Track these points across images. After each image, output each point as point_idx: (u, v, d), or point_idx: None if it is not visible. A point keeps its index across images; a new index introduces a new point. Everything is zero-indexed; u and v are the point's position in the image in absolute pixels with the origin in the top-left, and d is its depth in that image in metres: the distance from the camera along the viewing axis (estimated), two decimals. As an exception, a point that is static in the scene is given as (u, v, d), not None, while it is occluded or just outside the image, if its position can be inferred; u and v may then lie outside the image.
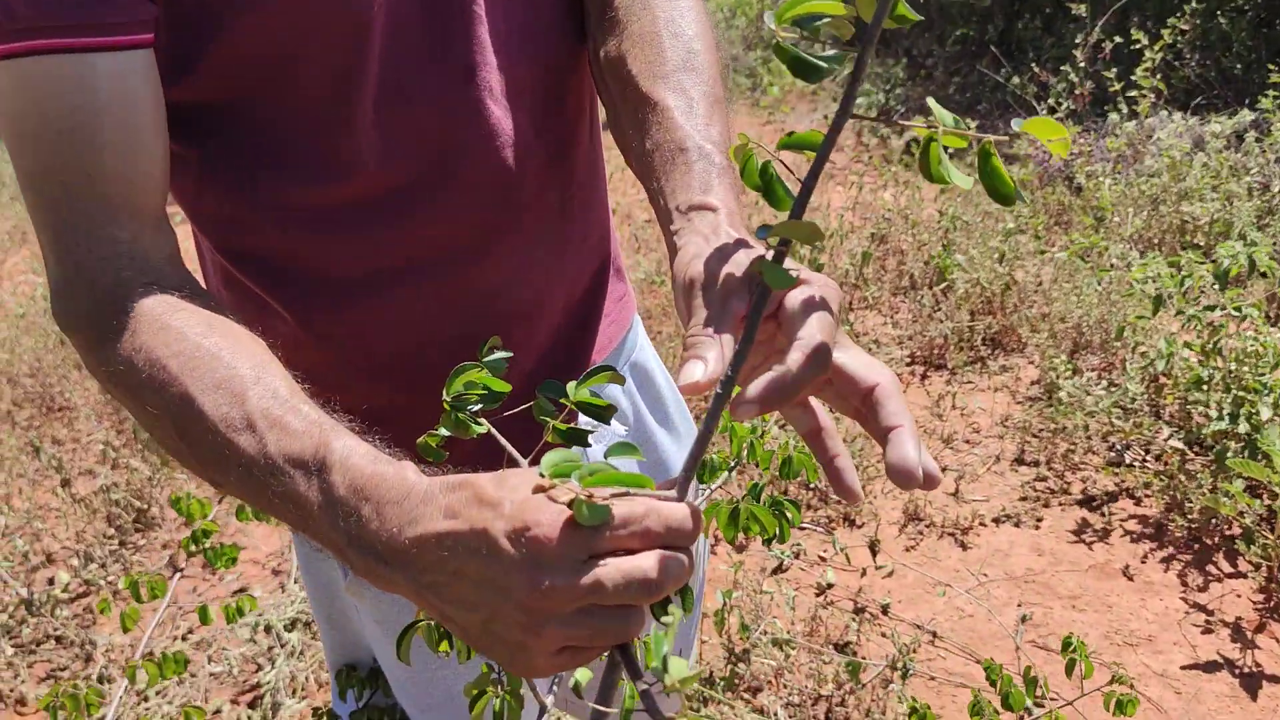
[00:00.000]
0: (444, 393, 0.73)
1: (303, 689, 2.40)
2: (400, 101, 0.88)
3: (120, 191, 0.78)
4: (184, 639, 2.61)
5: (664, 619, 0.52)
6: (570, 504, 0.58)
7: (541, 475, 0.58)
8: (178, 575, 1.42)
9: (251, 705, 2.39)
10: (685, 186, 0.80)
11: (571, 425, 0.73)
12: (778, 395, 0.61)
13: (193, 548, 1.34)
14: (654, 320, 3.86)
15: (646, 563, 0.59)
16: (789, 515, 1.09)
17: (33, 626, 2.66)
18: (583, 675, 0.77)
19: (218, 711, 2.38)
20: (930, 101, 0.57)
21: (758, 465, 1.18)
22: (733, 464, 1.19)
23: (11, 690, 2.49)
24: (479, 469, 0.64)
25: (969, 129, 0.56)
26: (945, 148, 0.57)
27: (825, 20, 0.54)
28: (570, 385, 0.72)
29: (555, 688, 0.89)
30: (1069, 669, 1.26)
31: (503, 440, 0.72)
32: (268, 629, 2.58)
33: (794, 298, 0.66)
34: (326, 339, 0.97)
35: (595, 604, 0.59)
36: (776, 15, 0.55)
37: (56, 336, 3.97)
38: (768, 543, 1.00)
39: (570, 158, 1.03)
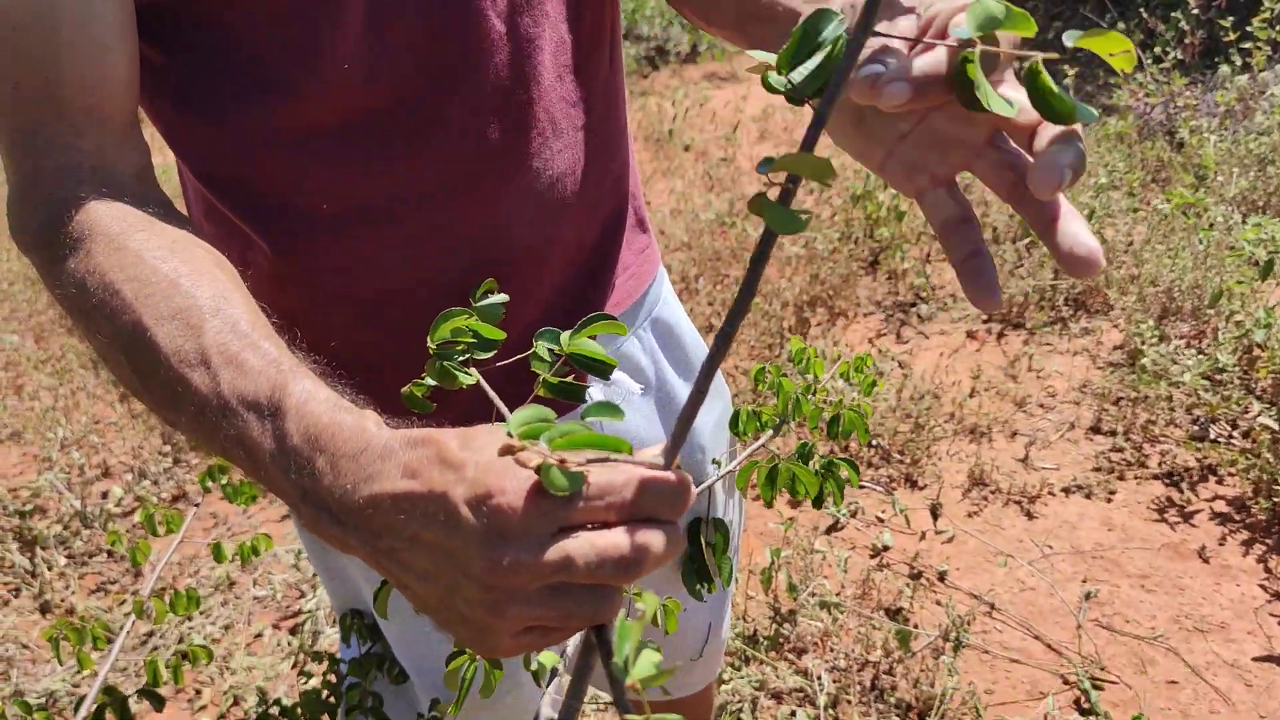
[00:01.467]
0: (428, 338, 0.65)
1: (343, 619, 2.39)
2: (391, 12, 0.79)
3: (81, 96, 0.71)
4: (231, 560, 2.62)
5: (636, 605, 0.44)
6: (538, 469, 0.49)
7: (509, 435, 0.50)
8: (193, 511, 1.38)
9: (292, 631, 2.38)
10: None
11: (564, 380, 0.65)
12: (931, 74, 0.51)
13: (209, 484, 1.30)
14: (722, 263, 3.75)
15: (623, 538, 0.51)
16: (844, 475, 1.00)
17: (85, 539, 2.69)
18: (547, 659, 0.70)
19: (259, 635, 2.38)
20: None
21: (804, 424, 1.09)
22: (780, 420, 1.10)
23: (62, 600, 2.51)
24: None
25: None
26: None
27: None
28: (564, 335, 0.64)
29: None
30: None
31: (491, 392, 0.64)
32: (312, 556, 2.57)
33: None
34: (308, 275, 0.89)
35: (565, 582, 0.51)
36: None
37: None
38: (817, 504, 0.91)
39: (584, 85, 0.93)
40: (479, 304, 0.67)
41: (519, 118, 0.88)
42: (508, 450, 0.50)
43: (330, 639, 2.31)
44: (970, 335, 3.31)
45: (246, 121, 0.80)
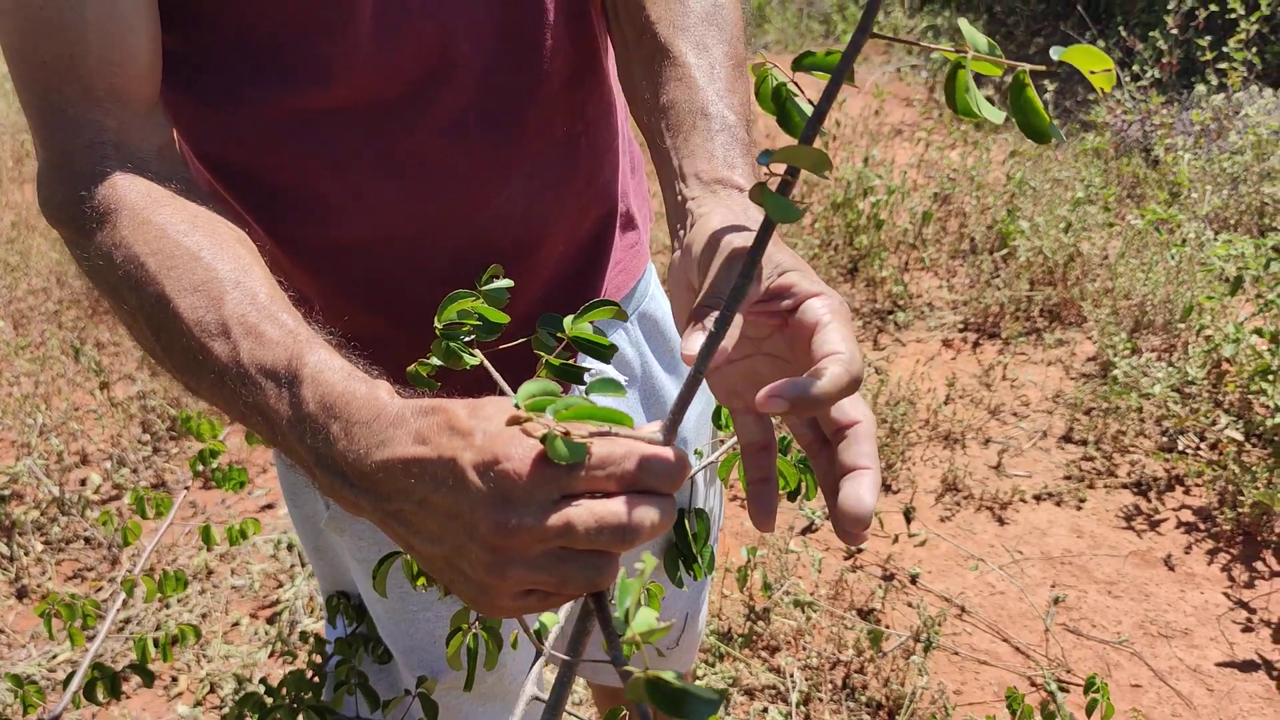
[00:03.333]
0: (435, 320, 0.68)
1: (320, 609, 2.40)
2: (399, 9, 0.82)
3: (106, 76, 0.73)
4: (209, 549, 2.62)
5: (636, 564, 0.47)
6: (543, 439, 0.52)
7: (516, 406, 0.53)
8: (184, 493, 1.40)
9: (270, 621, 2.40)
10: (706, 155, 0.74)
11: (567, 361, 0.68)
12: (809, 402, 0.56)
13: (199, 467, 1.32)
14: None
15: (622, 507, 0.54)
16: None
17: (63, 525, 2.69)
18: (548, 620, 0.73)
19: (236, 624, 2.39)
20: (962, 23, 0.50)
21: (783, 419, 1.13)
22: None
23: (38, 586, 2.52)
24: None
25: (1002, 58, 0.49)
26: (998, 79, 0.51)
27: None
28: (567, 319, 0.67)
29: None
30: (1089, 709, 1.19)
31: (494, 372, 0.67)
32: (290, 547, 2.58)
33: (815, 307, 0.61)
34: (306, 261, 0.92)
35: (565, 547, 0.54)
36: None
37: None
38: (792, 497, 0.95)
39: (581, 91, 0.96)
40: (484, 288, 0.70)
41: (517, 117, 0.90)
42: (514, 420, 0.53)
43: (308, 628, 2.33)
44: (946, 344, 3.35)
45: (262, 106, 0.83)
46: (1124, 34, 5.13)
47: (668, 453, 0.56)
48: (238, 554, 2.58)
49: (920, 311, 3.52)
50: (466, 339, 0.69)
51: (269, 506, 2.79)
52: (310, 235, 0.91)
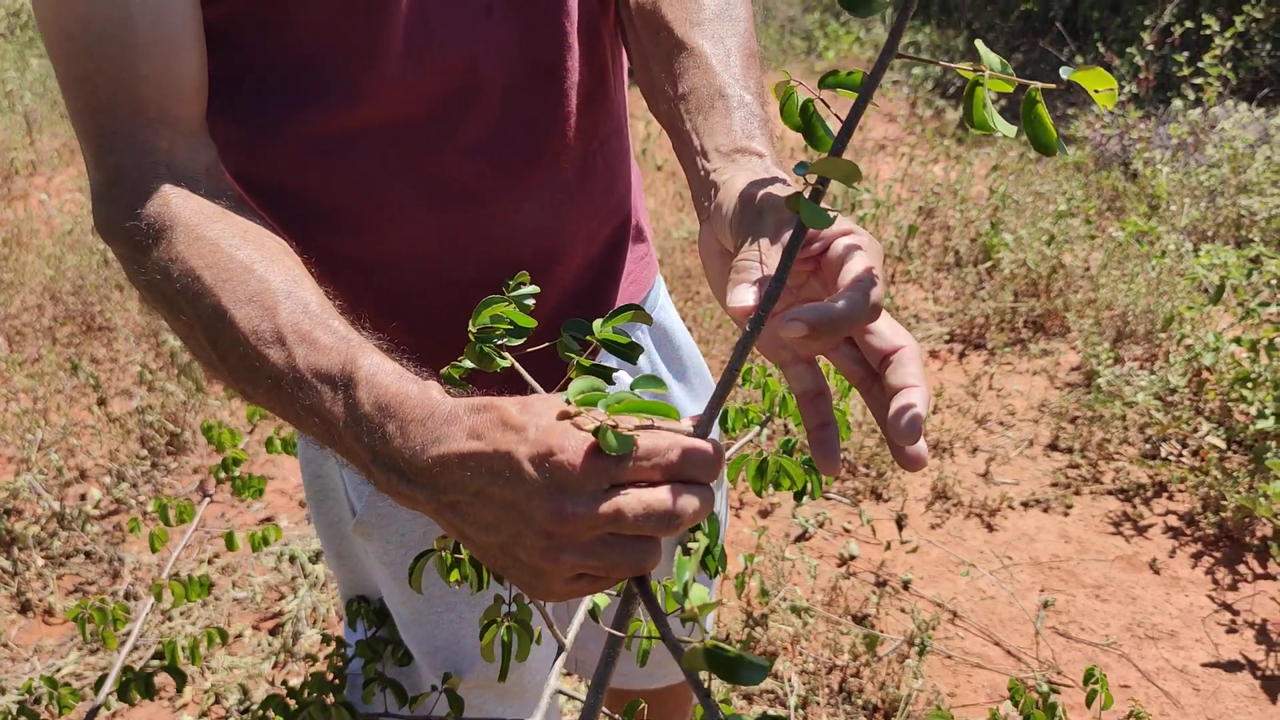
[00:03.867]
0: (470, 323, 0.72)
1: (324, 620, 2.43)
2: (425, 34, 0.86)
3: (156, 98, 0.77)
4: (210, 563, 2.65)
5: (689, 544, 0.51)
6: (595, 432, 0.57)
7: (567, 402, 0.57)
8: (206, 500, 1.43)
9: (273, 632, 2.42)
10: (726, 130, 0.79)
11: (595, 363, 0.72)
12: (827, 324, 0.60)
13: (221, 475, 1.35)
14: (694, 280, 3.84)
15: (667, 495, 0.58)
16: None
17: (63, 540, 2.70)
18: (601, 600, 0.77)
19: (239, 635, 2.42)
20: (978, 44, 0.55)
21: (789, 421, 1.17)
22: (765, 417, 1.18)
23: (40, 600, 2.53)
24: None
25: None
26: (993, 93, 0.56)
27: None
28: (596, 323, 0.71)
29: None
30: (1089, 700, 1.24)
31: (525, 374, 0.71)
32: (292, 559, 2.61)
33: (841, 243, 0.65)
34: (338, 274, 0.96)
35: (614, 533, 0.58)
36: None
37: (102, 255, 4.00)
38: (798, 497, 0.99)
39: (595, 110, 1.01)
40: (513, 294, 0.74)
41: (537, 136, 0.95)
42: (565, 415, 0.58)
43: (311, 640, 2.35)
44: (933, 355, 3.41)
45: (297, 128, 0.87)
46: (1101, 50, 5.23)
47: (707, 445, 0.60)
48: (239, 566, 2.61)
49: (907, 324, 3.58)
50: (498, 342, 0.73)
51: (268, 519, 2.81)
52: (343, 250, 0.95)
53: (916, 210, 4.17)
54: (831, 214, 0.55)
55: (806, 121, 0.64)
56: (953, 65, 0.56)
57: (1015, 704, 1.18)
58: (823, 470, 0.67)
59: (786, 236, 0.65)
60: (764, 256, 0.64)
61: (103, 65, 0.76)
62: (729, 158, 0.77)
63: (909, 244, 3.95)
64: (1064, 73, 0.54)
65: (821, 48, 6.89)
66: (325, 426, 0.67)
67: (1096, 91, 0.56)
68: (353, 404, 0.65)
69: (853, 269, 0.63)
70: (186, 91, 0.79)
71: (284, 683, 1.39)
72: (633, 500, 0.58)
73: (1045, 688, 2.11)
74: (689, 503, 0.59)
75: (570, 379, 0.72)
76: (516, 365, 0.74)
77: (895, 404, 0.62)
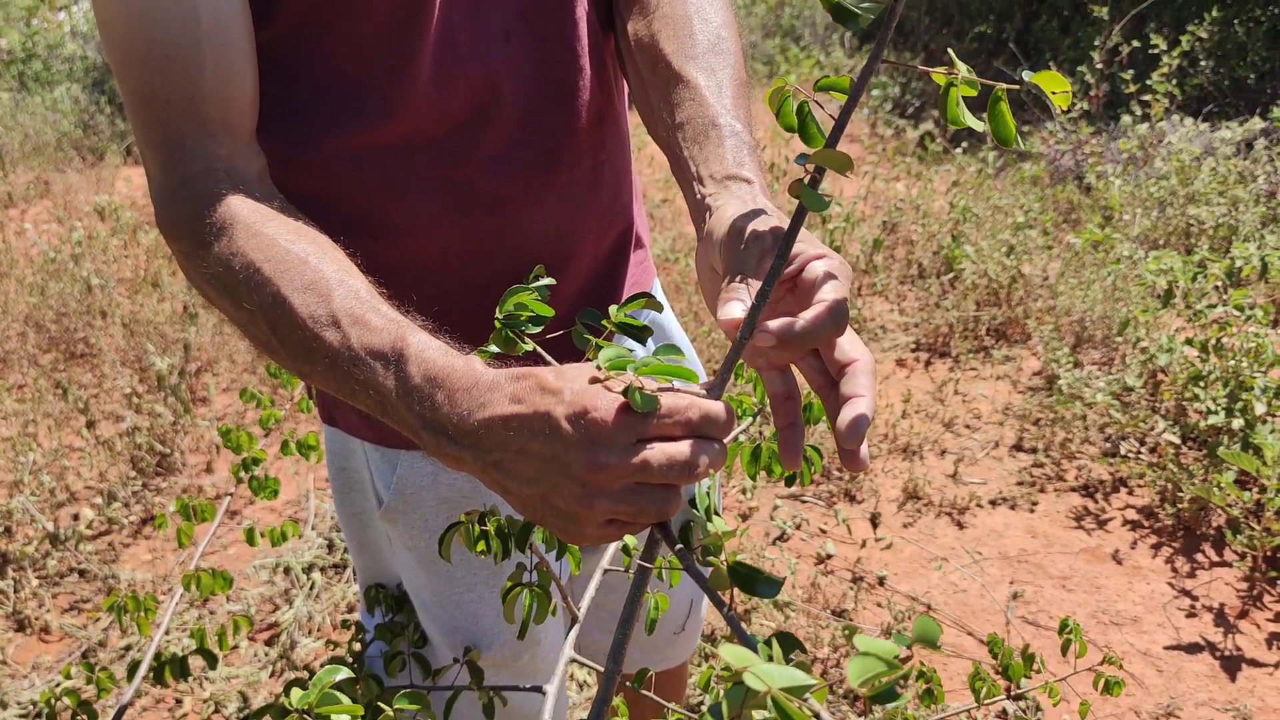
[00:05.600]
0: (497, 310, 0.81)
1: (319, 629, 2.49)
2: (453, 56, 0.95)
3: (218, 112, 0.86)
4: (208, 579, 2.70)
5: (706, 483, 0.61)
6: (625, 392, 0.66)
7: (598, 368, 0.67)
8: (227, 499, 1.51)
9: (269, 643, 2.48)
10: (719, 158, 0.89)
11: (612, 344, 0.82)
12: (794, 336, 0.71)
13: (241, 474, 1.43)
14: (666, 295, 3.94)
15: (687, 448, 0.67)
16: (810, 459, 1.17)
17: (57, 559, 2.75)
18: (631, 540, 0.86)
19: (235, 647, 2.47)
20: (950, 53, 0.66)
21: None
22: (758, 408, 1.27)
23: (36, 618, 2.58)
24: None
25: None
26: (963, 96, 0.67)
27: None
28: (612, 309, 0.81)
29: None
30: (1064, 648, 1.35)
31: (546, 355, 0.80)
32: (286, 571, 2.67)
33: (815, 267, 0.76)
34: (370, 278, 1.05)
35: (642, 482, 0.67)
36: None
37: (84, 283, 4.05)
38: (789, 482, 1.10)
39: (603, 126, 1.11)
40: (533, 285, 0.84)
41: (552, 149, 1.05)
42: (595, 379, 0.67)
43: (307, 649, 2.42)
44: (900, 363, 3.53)
45: (333, 141, 0.95)
46: (1053, 69, 5.40)
47: (720, 406, 0.70)
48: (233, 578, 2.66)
49: (874, 334, 3.70)
50: (525, 328, 0.83)
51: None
52: (374, 255, 1.04)
53: (880, 225, 4.30)
54: (826, 199, 0.66)
55: (801, 121, 0.75)
56: (931, 70, 0.66)
57: (994, 655, 1.27)
58: (785, 464, 0.78)
59: (768, 264, 0.75)
60: (750, 287, 0.75)
61: (170, 83, 0.85)
62: (722, 184, 0.87)
63: (874, 258, 4.08)
64: (1024, 75, 0.65)
65: (783, 71, 7.05)
66: (379, 398, 0.75)
67: (1053, 93, 0.66)
68: (404, 377, 0.73)
69: (822, 291, 0.74)
70: (243, 105, 0.88)
71: (306, 667, 1.46)
72: (658, 452, 0.67)
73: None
74: (705, 455, 0.68)
75: (588, 358, 0.82)
76: (538, 349, 0.83)
77: (844, 411, 0.72)
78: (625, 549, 0.90)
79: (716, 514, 1.11)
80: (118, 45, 0.85)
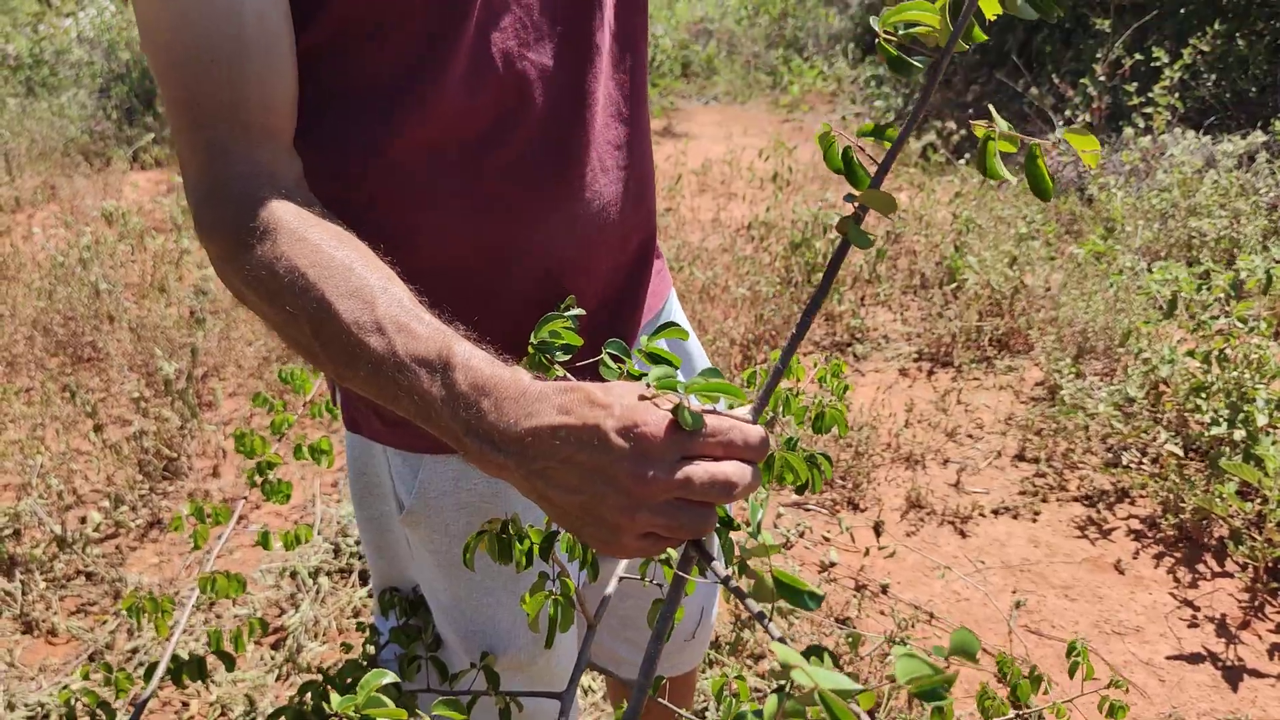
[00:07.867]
0: (531, 336, 0.83)
1: (325, 634, 2.50)
2: (488, 60, 0.97)
3: (260, 118, 0.87)
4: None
5: (755, 495, 0.63)
6: (674, 410, 0.68)
7: (647, 385, 0.69)
8: (241, 502, 1.52)
9: (275, 647, 2.49)
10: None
11: (630, 372, 0.84)
12: None
13: (256, 478, 1.44)
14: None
15: (729, 468, 0.69)
16: (821, 466, 1.19)
17: (65, 562, 2.76)
18: (672, 552, 0.88)
19: (240, 652, 2.48)
20: (990, 108, 0.68)
21: (792, 419, 1.29)
22: (770, 416, 1.29)
23: (44, 620, 2.59)
24: None
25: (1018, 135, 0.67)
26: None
27: (920, 28, 0.65)
28: (643, 338, 0.83)
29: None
30: (1071, 670, 1.37)
31: (573, 380, 0.82)
32: (293, 575, 2.68)
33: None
34: None
35: (683, 498, 0.69)
36: (881, 19, 0.65)
37: (92, 287, 4.06)
38: (800, 490, 1.12)
39: (626, 132, 1.12)
40: (566, 314, 0.86)
41: (575, 156, 1.06)
42: (644, 397, 0.69)
43: (314, 652, 2.43)
44: (903, 372, 3.55)
45: (363, 151, 0.96)
46: (1056, 81, 5.44)
47: (759, 430, 0.72)
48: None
49: (877, 344, 3.72)
50: (558, 355, 0.85)
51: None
52: (401, 261, 1.05)
53: (884, 235, 4.32)
54: (870, 237, 0.68)
55: (847, 164, 0.77)
56: (974, 122, 0.68)
57: (1003, 677, 1.28)
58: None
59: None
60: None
61: (214, 88, 0.86)
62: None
63: (877, 268, 4.10)
64: (1058, 133, 0.67)
65: (786, 81, 7.08)
66: (422, 403, 0.77)
67: (1084, 152, 0.68)
68: (450, 384, 0.75)
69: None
70: (285, 110, 0.90)
71: (319, 669, 1.47)
72: (701, 470, 0.69)
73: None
74: (744, 476, 0.70)
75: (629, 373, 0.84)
76: (568, 375, 0.85)
77: None
78: (668, 559, 0.93)
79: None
80: (160, 49, 0.86)
